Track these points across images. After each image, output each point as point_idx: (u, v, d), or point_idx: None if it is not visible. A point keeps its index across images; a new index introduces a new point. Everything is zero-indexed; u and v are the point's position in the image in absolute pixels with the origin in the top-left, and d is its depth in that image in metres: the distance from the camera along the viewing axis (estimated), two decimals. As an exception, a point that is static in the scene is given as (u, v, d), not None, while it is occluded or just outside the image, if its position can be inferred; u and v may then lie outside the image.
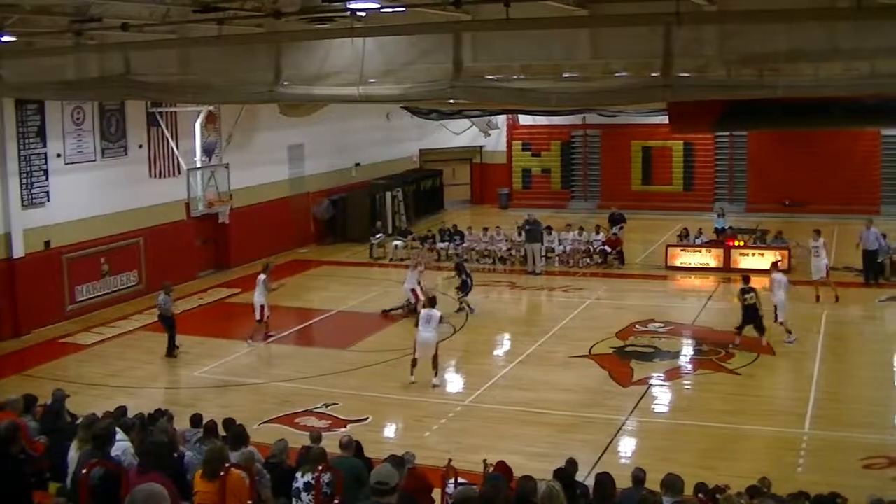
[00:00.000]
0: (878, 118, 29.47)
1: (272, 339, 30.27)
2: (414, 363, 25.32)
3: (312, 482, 12.78)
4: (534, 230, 40.22)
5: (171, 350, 28.56)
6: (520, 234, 41.69)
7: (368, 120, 48.63)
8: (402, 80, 21.75)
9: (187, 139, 37.98)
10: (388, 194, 49.25)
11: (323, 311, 34.22)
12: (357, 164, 50.49)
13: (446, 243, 42.90)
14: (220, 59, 22.51)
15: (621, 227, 42.46)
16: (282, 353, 29.37)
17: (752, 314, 27.91)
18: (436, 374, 25.32)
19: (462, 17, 20.80)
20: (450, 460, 16.08)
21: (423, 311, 26.05)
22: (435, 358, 25.29)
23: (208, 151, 39.16)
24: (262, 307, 29.67)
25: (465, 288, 33.23)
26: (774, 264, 31.66)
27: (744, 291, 28.08)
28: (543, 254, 40.63)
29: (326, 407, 23.86)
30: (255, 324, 29.76)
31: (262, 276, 29.94)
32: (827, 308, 31.86)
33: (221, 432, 15.84)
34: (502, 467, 14.91)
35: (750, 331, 27.73)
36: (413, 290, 32.04)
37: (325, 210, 47.19)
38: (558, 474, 13.84)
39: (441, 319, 26.18)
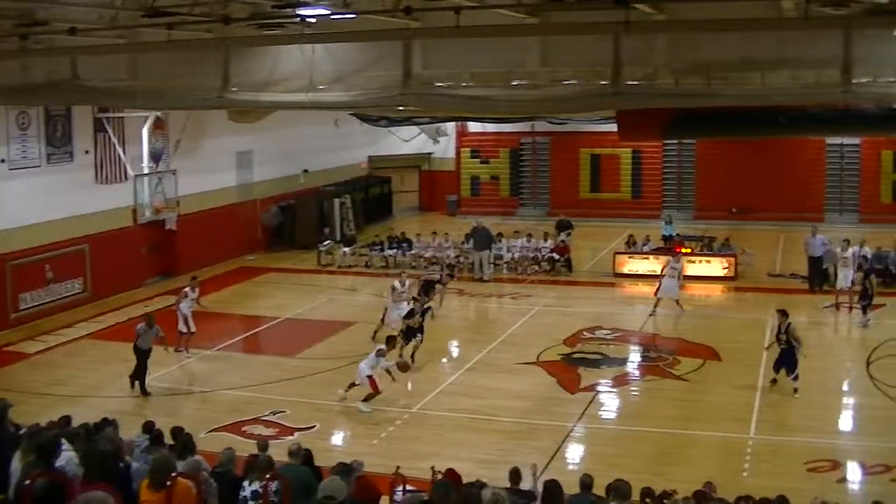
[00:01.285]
0: (823, 127, 29.81)
1: (188, 356, 29.46)
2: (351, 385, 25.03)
3: (260, 490, 12.69)
4: (481, 237, 40.26)
5: (143, 386, 25.89)
6: (467, 241, 41.72)
7: (317, 127, 48.43)
8: (351, 87, 21.69)
9: (135, 145, 37.73)
10: (337, 201, 48.99)
11: (270, 319, 34.00)
12: (305, 171, 50.24)
13: (394, 250, 42.81)
14: (168, 64, 22.40)
15: (569, 234, 42.58)
16: (229, 361, 29.15)
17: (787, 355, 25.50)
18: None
19: (412, 25, 20.80)
20: (398, 468, 16.05)
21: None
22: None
23: (156, 157, 38.98)
24: (185, 319, 29.36)
25: (410, 335, 28.31)
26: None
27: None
28: (492, 261, 40.64)
29: (274, 415, 23.73)
30: (181, 335, 29.37)
31: (188, 289, 29.79)
32: (773, 314, 32.10)
33: (169, 441, 15.73)
34: (452, 475, 14.88)
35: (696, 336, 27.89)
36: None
37: (273, 217, 46.97)
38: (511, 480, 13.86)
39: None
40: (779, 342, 25.38)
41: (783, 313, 25.74)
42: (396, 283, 30.52)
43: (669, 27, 20.98)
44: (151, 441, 15.61)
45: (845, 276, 33.73)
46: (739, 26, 20.28)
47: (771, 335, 26.93)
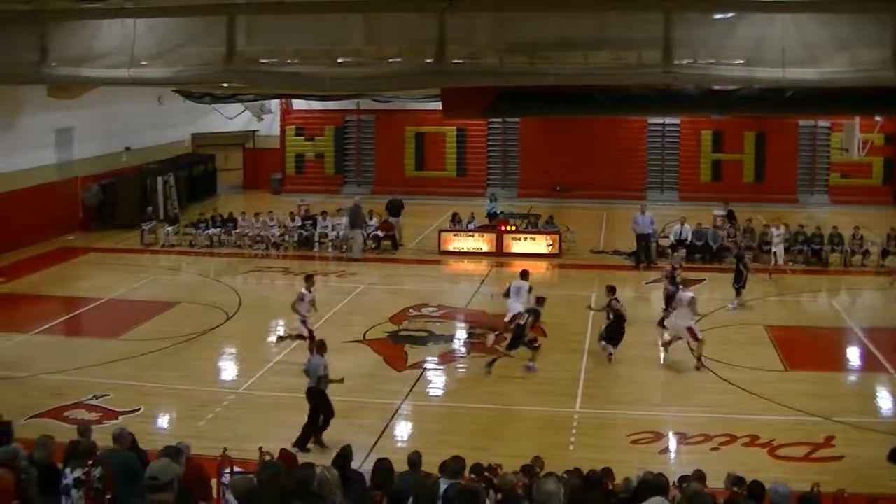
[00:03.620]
0: (643, 107, 30.45)
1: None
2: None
3: (82, 478, 12.39)
4: (354, 215, 40.03)
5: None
6: (371, 218, 41.81)
7: (140, 103, 47.40)
8: (173, 63, 21.36)
9: (-55, 122, 36.45)
10: (160, 179, 48.15)
11: (92, 300, 33.16)
12: (128, 149, 49.18)
13: (218, 229, 42.30)
14: (-19, 38, 21.71)
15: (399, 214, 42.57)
16: (49, 343, 28.31)
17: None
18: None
19: (236, 0, 20.53)
20: (225, 449, 15.87)
21: (514, 283, 26.69)
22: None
23: (-32, 135, 37.72)
24: (304, 321, 27.23)
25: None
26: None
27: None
28: (363, 241, 40.69)
29: (97, 399, 23.18)
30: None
31: (304, 290, 27.31)
32: (596, 290, 32.71)
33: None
34: (285, 455, 14.80)
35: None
36: None
37: (94, 196, 45.89)
38: (336, 461, 13.80)
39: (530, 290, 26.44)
40: (607, 316, 26.14)
41: (610, 289, 26.40)
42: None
43: (493, 6, 21.14)
44: (-34, 430, 15.12)
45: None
46: (562, 7, 20.53)
47: (597, 306, 27.47)
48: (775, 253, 36.13)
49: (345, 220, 41.37)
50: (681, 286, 27.11)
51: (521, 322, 25.13)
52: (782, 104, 25.91)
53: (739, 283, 31.70)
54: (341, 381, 21.23)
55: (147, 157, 50.31)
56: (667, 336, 26.54)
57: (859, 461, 19.14)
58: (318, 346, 21.59)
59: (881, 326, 29.13)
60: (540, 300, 27.01)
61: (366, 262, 39.03)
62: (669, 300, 27.84)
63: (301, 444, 20.18)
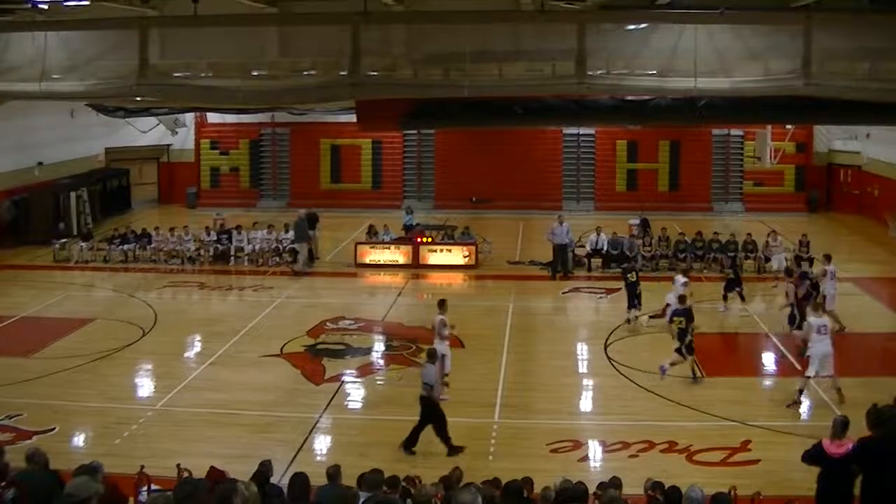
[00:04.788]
0: (559, 117, 30.66)
1: None
2: None
3: (-4, 498, 12.22)
4: (300, 227, 39.76)
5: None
6: (287, 231, 41.57)
7: (53, 117, 46.90)
8: (86, 77, 21.13)
9: None
10: (73, 194, 47.48)
11: (4, 318, 32.56)
12: (40, 164, 48.52)
13: (133, 245, 41.85)
14: None
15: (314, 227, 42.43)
16: (-41, 363, 27.88)
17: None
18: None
19: (149, 13, 20.39)
20: (142, 467, 15.71)
21: (814, 321, 23.95)
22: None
23: None
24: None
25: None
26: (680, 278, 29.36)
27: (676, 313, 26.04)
28: (247, 252, 40.63)
29: (10, 419, 22.76)
30: None
31: (443, 316, 25.37)
32: (514, 300, 32.84)
33: None
34: (213, 473, 14.66)
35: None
36: None
37: (6, 211, 45.22)
38: (255, 476, 13.70)
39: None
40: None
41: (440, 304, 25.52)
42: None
43: (408, 18, 21.21)
44: None
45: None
46: (477, 18, 20.62)
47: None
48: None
49: (261, 233, 41.23)
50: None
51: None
52: (695, 113, 26.21)
53: (739, 288, 32.40)
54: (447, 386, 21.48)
55: (60, 171, 49.64)
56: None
57: (775, 464, 19.40)
58: (430, 355, 21.56)
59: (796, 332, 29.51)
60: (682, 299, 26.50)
61: (282, 276, 38.82)
62: None
63: (451, 451, 20.41)
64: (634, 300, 30.24)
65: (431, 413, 20.80)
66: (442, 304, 25.24)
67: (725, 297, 32.39)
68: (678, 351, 24.98)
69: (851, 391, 23.07)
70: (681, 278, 29.13)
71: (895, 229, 41.99)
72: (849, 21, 22.51)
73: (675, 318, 25.58)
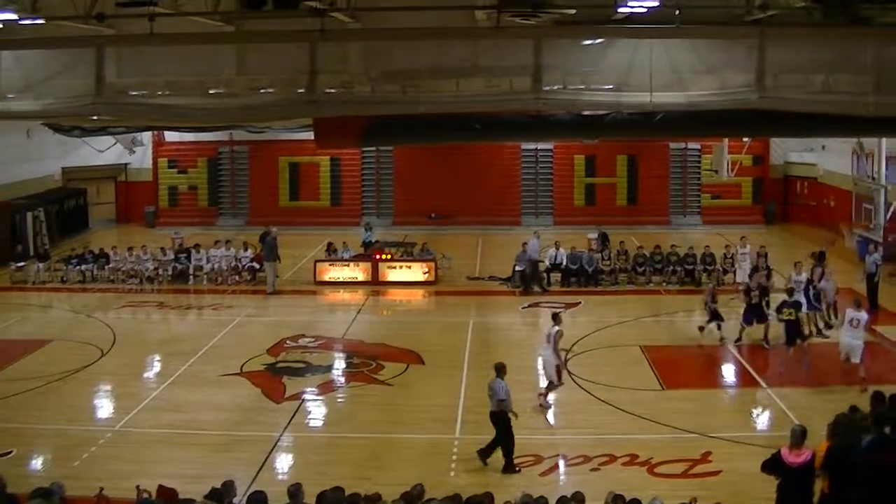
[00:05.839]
0: (516, 132, 30.76)
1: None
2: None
3: (-47, 522, 12.11)
4: (268, 246, 39.52)
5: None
6: (246, 249, 41.52)
7: (7, 136, 46.49)
8: (42, 96, 21.03)
9: None
10: (30, 215, 47.13)
11: (-41, 341, 32.36)
12: (-6, 184, 48.17)
13: (91, 265, 41.58)
14: None
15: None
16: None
17: (791, 329, 27.01)
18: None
19: (105, 32, 20.29)
20: (101, 489, 15.61)
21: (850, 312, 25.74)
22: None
23: None
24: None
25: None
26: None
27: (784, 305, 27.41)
28: (206, 271, 40.69)
29: (-34, 442, 22.62)
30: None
31: (555, 328, 25.33)
32: (474, 316, 32.89)
33: None
34: (163, 491, 14.59)
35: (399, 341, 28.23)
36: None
37: (-40, 233, 44.86)
38: (211, 495, 13.65)
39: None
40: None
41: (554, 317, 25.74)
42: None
43: (365, 35, 21.22)
44: None
45: None
46: (433, 35, 20.65)
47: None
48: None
49: (220, 251, 41.05)
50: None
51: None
52: (652, 127, 26.33)
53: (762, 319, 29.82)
54: (516, 416, 21.11)
55: (16, 191, 49.20)
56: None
57: (736, 474, 19.44)
58: (499, 369, 21.42)
59: (752, 344, 29.64)
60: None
61: (242, 294, 38.69)
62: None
63: (507, 468, 20.50)
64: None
65: (507, 427, 20.81)
66: (556, 317, 25.46)
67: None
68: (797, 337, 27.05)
69: (808, 399, 23.29)
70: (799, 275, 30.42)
71: (851, 240, 42.42)
72: (802, 35, 22.73)
73: (784, 310, 27.08)
